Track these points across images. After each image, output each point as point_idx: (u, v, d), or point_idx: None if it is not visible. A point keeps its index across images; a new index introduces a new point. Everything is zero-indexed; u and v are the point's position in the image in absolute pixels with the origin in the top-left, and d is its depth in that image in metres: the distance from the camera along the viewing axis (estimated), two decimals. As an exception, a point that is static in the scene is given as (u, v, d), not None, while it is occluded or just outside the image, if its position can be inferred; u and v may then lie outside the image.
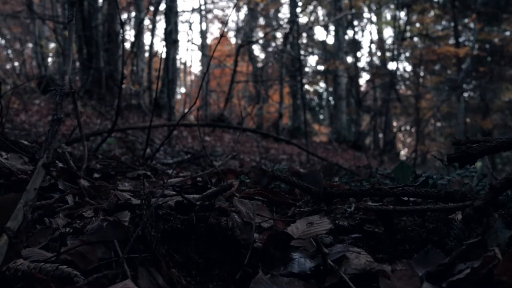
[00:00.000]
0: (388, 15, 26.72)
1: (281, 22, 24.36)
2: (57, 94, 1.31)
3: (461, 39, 21.69)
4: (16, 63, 20.13)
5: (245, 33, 24.18)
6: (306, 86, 27.69)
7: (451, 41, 21.45)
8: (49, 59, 21.76)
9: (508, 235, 1.08)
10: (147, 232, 1.13)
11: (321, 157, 6.14)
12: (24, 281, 0.96)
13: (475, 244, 1.05)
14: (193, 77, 35.49)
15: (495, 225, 1.11)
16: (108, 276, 0.99)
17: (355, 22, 25.70)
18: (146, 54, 18.36)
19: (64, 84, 1.34)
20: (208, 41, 27.84)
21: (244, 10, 26.66)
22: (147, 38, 48.81)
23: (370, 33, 33.49)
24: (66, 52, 1.43)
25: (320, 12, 27.23)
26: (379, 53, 25.86)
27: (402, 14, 22.43)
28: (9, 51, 21.03)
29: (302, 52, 25.41)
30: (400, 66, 25.92)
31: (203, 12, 27.07)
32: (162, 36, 26.08)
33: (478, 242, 1.05)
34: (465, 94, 21.99)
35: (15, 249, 0.95)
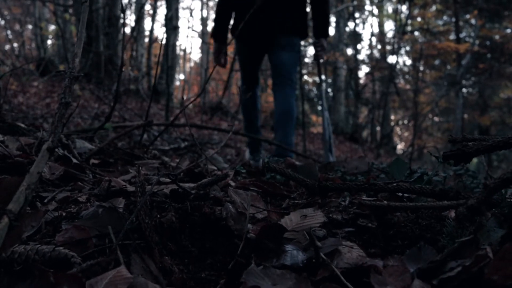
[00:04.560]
0: (389, 8, 26.68)
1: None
2: (66, 77, 1.29)
3: (462, 35, 21.68)
4: (15, 45, 20.06)
5: (246, 21, 24.01)
6: (305, 77, 27.64)
7: (452, 36, 21.43)
8: (49, 42, 21.68)
9: (500, 235, 1.09)
10: (141, 220, 1.14)
11: (304, 155, 6.09)
12: (22, 264, 0.97)
13: (467, 242, 1.05)
14: (192, 64, 35.45)
15: (488, 224, 1.12)
16: (101, 263, 0.99)
17: (357, 14, 25.65)
18: (146, 40, 18.31)
19: (74, 66, 1.32)
20: (209, 28, 27.74)
21: (246, -2, 26.50)
22: (147, 23, 48.66)
23: (371, 26, 33.47)
24: (78, 35, 1.41)
25: (322, 3, 27.07)
26: (379, 46, 25.82)
27: (404, 8, 22.38)
28: (9, 32, 20.95)
29: (302, 42, 25.33)
30: (400, 60, 25.92)
31: (205, -1, 26.97)
32: (163, 22, 25.97)
33: (470, 241, 1.06)
34: (464, 90, 22.00)
35: (16, 232, 0.94)
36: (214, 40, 4.84)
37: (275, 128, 4.61)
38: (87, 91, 11.75)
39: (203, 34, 26.21)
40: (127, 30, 20.55)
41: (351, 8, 23.45)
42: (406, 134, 31.91)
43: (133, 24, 17.15)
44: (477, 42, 20.04)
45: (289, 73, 4.62)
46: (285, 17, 4.56)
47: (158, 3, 23.45)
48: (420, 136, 23.08)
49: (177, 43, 18.61)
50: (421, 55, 19.84)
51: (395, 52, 20.83)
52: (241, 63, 4.93)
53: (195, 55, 61.71)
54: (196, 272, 1.12)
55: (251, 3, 4.32)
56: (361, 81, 25.80)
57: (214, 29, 4.80)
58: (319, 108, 30.65)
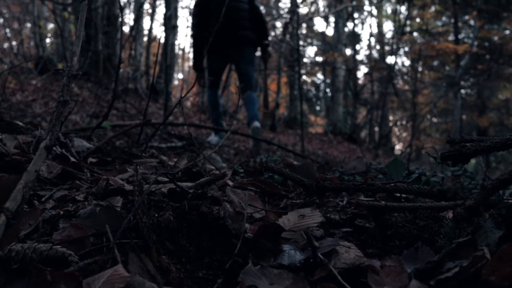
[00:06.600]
0: (388, 9, 26.69)
1: (282, 12, 24.22)
2: (65, 76, 1.29)
3: (460, 36, 21.67)
4: (14, 43, 20.01)
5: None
6: (304, 77, 27.64)
7: (451, 37, 21.42)
8: (47, 40, 21.63)
9: (498, 235, 1.09)
10: (139, 219, 1.13)
11: (302, 155, 6.19)
12: (20, 262, 0.96)
13: (464, 243, 1.05)
14: (191, 63, 35.45)
15: (485, 225, 1.12)
16: (98, 262, 0.99)
17: (356, 15, 25.65)
18: (145, 39, 18.28)
19: (72, 65, 1.32)
20: (208, 27, 27.64)
21: (245, -2, 26.50)
22: (146, 22, 48.61)
23: (370, 26, 33.47)
24: (77, 33, 1.41)
25: (321, 3, 27.15)
26: (378, 47, 25.82)
27: (403, 9, 22.38)
28: (7, 30, 20.90)
29: (301, 42, 25.34)
30: (399, 61, 25.91)
31: (204, -1, 26.89)
32: (162, 21, 25.95)
33: (467, 241, 1.06)
34: (463, 91, 21.99)
35: (14, 231, 0.94)
36: (195, 70, 6.49)
37: (246, 104, 6.39)
38: (86, 89, 11.73)
39: (202, 34, 26.12)
40: (126, 29, 20.55)
41: (350, 9, 23.45)
42: (404, 134, 31.91)
43: (132, 23, 17.15)
44: (476, 43, 20.02)
45: (251, 78, 6.47)
46: (245, 34, 6.28)
47: (157, 2, 23.45)
48: (419, 137, 23.06)
49: (176, 42, 18.61)
50: (420, 56, 19.81)
51: (394, 52, 20.80)
52: (210, 71, 6.58)
53: (194, 54, 61.55)
54: (193, 271, 1.12)
55: (221, 32, 5.82)
56: (360, 82, 25.80)
57: (194, 62, 6.44)
58: (318, 108, 30.71)
